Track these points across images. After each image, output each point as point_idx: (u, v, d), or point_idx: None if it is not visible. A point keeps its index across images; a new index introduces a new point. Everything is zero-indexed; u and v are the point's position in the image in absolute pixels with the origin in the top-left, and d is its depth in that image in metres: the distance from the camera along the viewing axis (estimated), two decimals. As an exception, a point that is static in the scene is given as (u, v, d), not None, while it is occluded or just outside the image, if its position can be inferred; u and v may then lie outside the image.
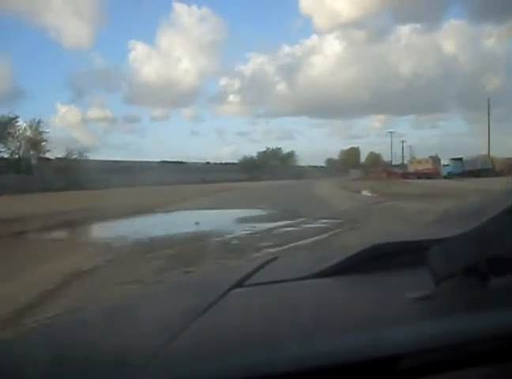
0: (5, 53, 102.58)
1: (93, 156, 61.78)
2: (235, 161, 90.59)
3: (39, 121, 54.94)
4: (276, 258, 1.32)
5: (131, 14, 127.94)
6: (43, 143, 55.41)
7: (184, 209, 21.44)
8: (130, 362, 0.70)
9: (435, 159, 73.65)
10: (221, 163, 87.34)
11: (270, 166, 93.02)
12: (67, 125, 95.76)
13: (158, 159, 72.73)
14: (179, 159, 76.06)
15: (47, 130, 56.16)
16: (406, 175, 64.60)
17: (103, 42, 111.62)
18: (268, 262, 1.24)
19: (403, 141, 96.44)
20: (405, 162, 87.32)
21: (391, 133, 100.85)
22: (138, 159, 69.08)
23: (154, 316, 0.95)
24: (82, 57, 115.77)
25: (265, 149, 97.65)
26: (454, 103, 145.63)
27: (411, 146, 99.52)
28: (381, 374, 0.64)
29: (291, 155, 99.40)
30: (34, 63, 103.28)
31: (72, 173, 51.04)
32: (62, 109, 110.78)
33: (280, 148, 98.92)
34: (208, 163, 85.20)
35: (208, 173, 73.47)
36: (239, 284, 1.02)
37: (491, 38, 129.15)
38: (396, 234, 1.24)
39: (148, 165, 67.45)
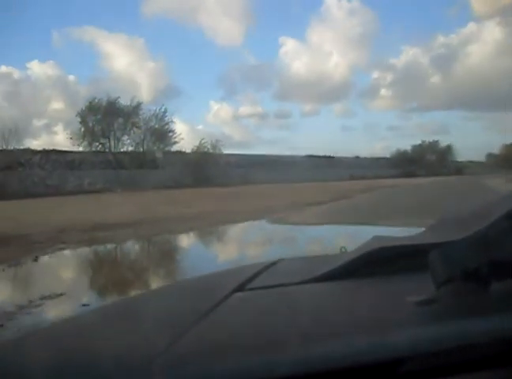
0: (161, 54, 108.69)
1: (244, 151, 59.44)
2: (387, 156, 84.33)
3: (165, 110, 51.38)
4: (277, 262, 1.31)
5: (281, 10, 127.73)
6: (170, 134, 51.59)
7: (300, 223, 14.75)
8: (133, 364, 0.71)
9: None
10: (372, 158, 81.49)
11: (426, 161, 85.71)
12: (220, 121, 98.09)
13: (304, 153, 69.06)
14: (327, 154, 71.98)
15: (173, 120, 52.37)
16: None
17: (253, 39, 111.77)
18: (269, 266, 1.25)
19: None
20: None
21: None
22: (283, 153, 66.22)
23: (156, 318, 0.95)
24: (234, 55, 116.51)
25: (420, 142, 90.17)
26: None
27: None
28: (382, 378, 0.64)
29: (449, 148, 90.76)
30: (189, 63, 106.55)
31: (200, 168, 47.47)
32: (215, 106, 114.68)
33: (437, 141, 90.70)
34: (357, 157, 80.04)
35: (357, 168, 68.44)
36: (241, 288, 1.03)
37: None
38: (396, 238, 1.14)
39: (293, 159, 63.95)
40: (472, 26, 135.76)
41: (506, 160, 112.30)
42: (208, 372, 0.66)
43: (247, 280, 1.09)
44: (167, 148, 50.22)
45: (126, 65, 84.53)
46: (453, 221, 1.07)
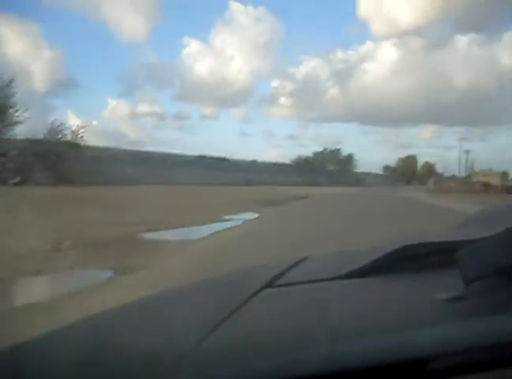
0: (59, 43, 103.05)
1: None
2: (286, 162, 77.78)
3: (11, 80, 34.99)
4: (306, 258, 1.30)
5: (187, 10, 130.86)
6: (11, 110, 35.39)
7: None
8: (160, 363, 0.70)
9: (504, 174, 68.17)
10: (270, 163, 74.48)
11: (327, 169, 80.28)
12: (116, 118, 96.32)
13: (196, 154, 60.75)
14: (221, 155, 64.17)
15: (15, 92, 35.83)
16: (509, 189, 51.55)
17: (156, 37, 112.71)
18: (298, 262, 1.24)
19: (467, 151, 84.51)
20: (460, 174, 78.73)
21: (460, 140, 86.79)
22: (170, 151, 57.60)
23: (184, 316, 0.95)
24: (136, 52, 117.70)
25: (322, 149, 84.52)
26: (506, 117, 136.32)
27: (473, 159, 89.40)
28: (410, 376, 0.64)
29: (350, 158, 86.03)
30: (89, 55, 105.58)
31: (51, 161, 36.43)
32: (113, 102, 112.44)
33: (339, 150, 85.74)
34: (254, 161, 72.84)
35: (254, 173, 60.91)
36: (270, 284, 1.02)
37: None
38: (426, 235, 1.15)
39: (183, 159, 55.34)
40: (369, 45, 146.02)
41: (401, 173, 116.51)
42: (237, 370, 0.65)
43: (276, 277, 1.07)
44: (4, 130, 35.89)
45: (17, 49, 76.49)
46: (484, 218, 1.04)
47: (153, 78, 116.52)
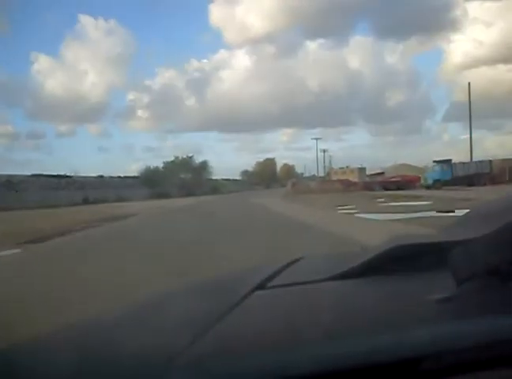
0: None
1: None
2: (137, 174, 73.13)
3: None
4: (299, 259, 1.32)
5: (33, 24, 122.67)
6: None
7: None
8: (153, 363, 0.70)
9: (361, 170, 69.69)
10: (119, 177, 69.50)
11: (179, 179, 76.72)
12: None
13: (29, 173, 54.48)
14: (62, 173, 58.30)
15: None
16: (369, 185, 51.04)
17: (2, 53, 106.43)
18: (291, 263, 1.25)
19: (324, 151, 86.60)
20: (318, 174, 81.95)
21: (316, 139, 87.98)
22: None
23: (177, 317, 0.96)
24: None
25: (173, 159, 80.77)
26: (358, 117, 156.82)
27: (331, 156, 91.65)
28: (402, 376, 0.64)
29: (204, 165, 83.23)
30: None
31: None
32: None
33: (191, 157, 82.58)
34: (101, 176, 67.53)
35: (98, 189, 55.95)
36: (262, 286, 1.03)
37: (394, 54, 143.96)
38: (416, 236, 1.20)
39: (16, 179, 49.12)
40: (223, 53, 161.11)
41: (260, 176, 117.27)
42: (229, 371, 0.66)
43: (268, 278, 1.08)
44: None
45: None
46: (474, 219, 1.05)
47: (2, 96, 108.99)
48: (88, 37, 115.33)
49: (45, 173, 55.39)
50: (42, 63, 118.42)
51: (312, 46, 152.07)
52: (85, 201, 46.20)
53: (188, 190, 69.98)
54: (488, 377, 0.65)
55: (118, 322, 0.99)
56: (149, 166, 74.01)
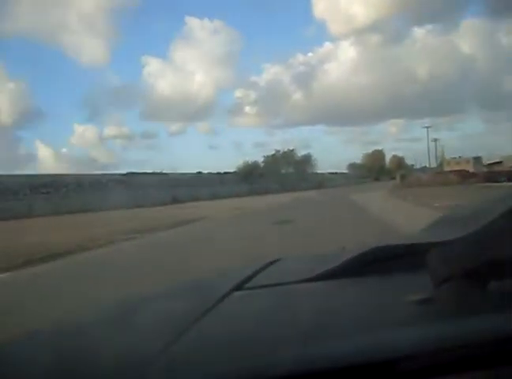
0: (21, 74, 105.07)
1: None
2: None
3: None
4: (277, 260, 1.32)
5: (143, 30, 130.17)
6: None
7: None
8: (132, 364, 0.71)
9: (477, 159, 63.24)
10: (218, 173, 66.54)
11: (281, 174, 72.65)
12: (84, 144, 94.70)
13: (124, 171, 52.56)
14: (159, 170, 56.11)
15: None
16: (493, 176, 43.95)
17: (117, 59, 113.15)
18: (268, 265, 1.25)
19: (435, 140, 79.29)
20: (430, 165, 73.84)
21: (427, 128, 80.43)
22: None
23: (155, 318, 0.96)
24: (97, 75, 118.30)
25: (273, 152, 76.70)
26: (471, 104, 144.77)
27: (443, 146, 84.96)
28: (381, 377, 0.64)
29: (307, 158, 78.63)
30: (51, 84, 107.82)
31: None
32: (79, 128, 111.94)
33: (293, 150, 78.14)
34: (199, 173, 64.99)
35: (193, 187, 53.01)
36: (239, 287, 1.04)
37: (509, 34, 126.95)
38: (395, 238, 1.07)
39: (104, 179, 47.09)
40: (328, 45, 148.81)
41: (368, 169, 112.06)
42: (207, 372, 0.65)
43: (246, 279, 1.09)
44: None
45: None
46: (452, 220, 1.06)
47: (117, 100, 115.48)
48: (194, 38, 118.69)
49: (140, 171, 53.39)
50: (152, 66, 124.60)
51: (419, 32, 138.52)
52: (174, 200, 43.08)
53: (290, 185, 65.75)
54: (465, 378, 0.65)
55: (94, 324, 0.99)
56: (247, 161, 70.23)
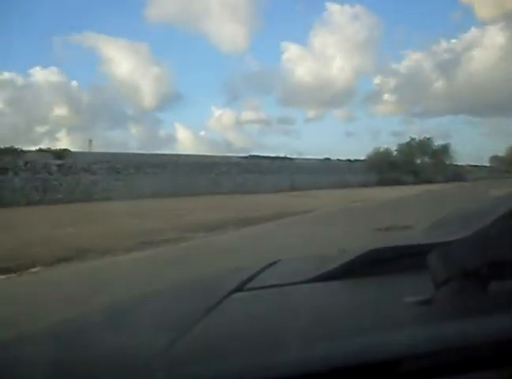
0: (164, 59, 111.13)
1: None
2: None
3: None
4: (277, 262, 1.32)
5: (283, 15, 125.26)
6: None
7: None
8: (132, 365, 0.71)
9: None
10: (348, 160, 62.64)
11: (415, 164, 67.12)
12: (222, 127, 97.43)
13: (245, 154, 50.45)
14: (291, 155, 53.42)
15: None
16: None
17: (256, 44, 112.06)
18: (269, 266, 1.25)
19: None
20: None
21: None
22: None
23: (155, 318, 0.97)
24: (236, 60, 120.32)
25: (408, 140, 71.03)
26: None
27: None
28: (382, 378, 0.65)
29: (445, 148, 72.04)
30: (191, 68, 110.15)
31: None
32: (217, 112, 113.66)
33: (429, 139, 71.77)
34: (328, 159, 61.54)
35: (318, 174, 49.61)
36: (240, 288, 1.05)
37: None
38: (395, 239, 1.04)
39: (229, 160, 45.08)
40: (474, 31, 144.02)
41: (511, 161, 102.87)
42: (208, 372, 0.66)
43: (246, 281, 1.09)
44: None
45: (128, 70, 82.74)
46: (453, 221, 1.07)
47: (256, 85, 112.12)
48: (335, 24, 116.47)
49: (263, 154, 50.97)
50: (292, 52, 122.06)
51: None
52: (292, 187, 40.05)
53: (425, 177, 60.35)
54: None
55: (98, 323, 0.99)
56: (378, 149, 65.29)
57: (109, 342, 0.84)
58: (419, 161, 69.30)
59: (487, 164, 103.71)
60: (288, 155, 55.34)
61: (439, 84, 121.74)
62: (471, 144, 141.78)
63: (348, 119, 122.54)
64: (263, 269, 1.21)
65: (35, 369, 0.73)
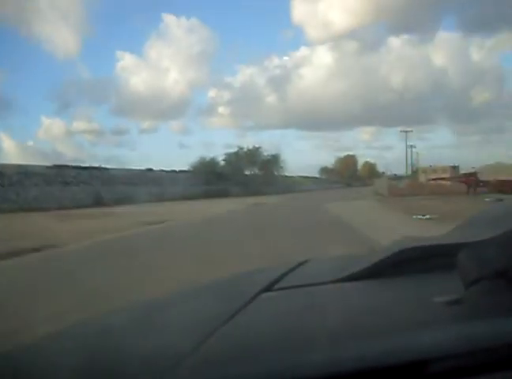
0: None
1: None
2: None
3: None
4: (305, 262, 1.32)
5: (119, 24, 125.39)
6: None
7: None
8: (160, 365, 0.71)
9: (455, 168, 59.53)
10: (173, 171, 56.56)
11: (244, 175, 63.28)
12: (51, 137, 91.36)
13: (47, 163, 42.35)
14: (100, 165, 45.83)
15: None
16: (504, 186, 34.43)
17: (90, 52, 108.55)
18: (297, 266, 1.25)
19: (412, 147, 76.31)
20: (406, 172, 70.35)
21: (406, 132, 73.97)
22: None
23: (183, 319, 0.97)
24: (68, 67, 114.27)
25: (236, 149, 66.88)
26: (442, 116, 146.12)
27: (418, 154, 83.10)
28: (411, 378, 0.65)
29: (275, 159, 69.20)
30: (20, 73, 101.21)
31: None
32: (47, 121, 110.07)
33: (258, 148, 68.45)
34: (150, 169, 55.05)
35: (138, 185, 43.26)
36: (269, 288, 1.04)
37: (481, 50, 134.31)
38: (424, 238, 1.17)
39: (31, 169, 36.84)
40: (304, 50, 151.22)
41: (339, 174, 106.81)
42: (236, 373, 0.66)
43: (275, 280, 1.08)
44: None
45: None
46: (482, 221, 1.06)
47: (88, 94, 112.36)
48: (170, 35, 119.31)
49: (66, 164, 43.07)
50: (127, 61, 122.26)
51: (396, 42, 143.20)
52: (97, 202, 33.26)
53: (254, 188, 56.50)
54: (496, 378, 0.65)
55: (124, 324, 0.98)
56: (204, 158, 60.30)
57: (136, 342, 0.82)
58: (248, 172, 65.57)
59: (318, 176, 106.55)
60: (103, 165, 48.06)
61: (271, 99, 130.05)
62: (301, 156, 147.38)
63: (182, 131, 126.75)
64: (292, 269, 1.18)
65: (63, 370, 0.73)
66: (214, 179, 54.55)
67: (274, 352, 0.70)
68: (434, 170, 60.67)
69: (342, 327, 0.77)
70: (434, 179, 47.40)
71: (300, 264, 1.28)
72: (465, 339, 0.67)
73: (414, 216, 16.17)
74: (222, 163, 62.45)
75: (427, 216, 15.73)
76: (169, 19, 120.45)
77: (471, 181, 38.43)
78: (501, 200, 14.96)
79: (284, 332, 0.78)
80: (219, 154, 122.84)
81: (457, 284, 0.76)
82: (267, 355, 0.69)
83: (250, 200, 36.17)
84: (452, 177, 44.50)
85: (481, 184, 38.20)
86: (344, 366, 0.64)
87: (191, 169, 56.91)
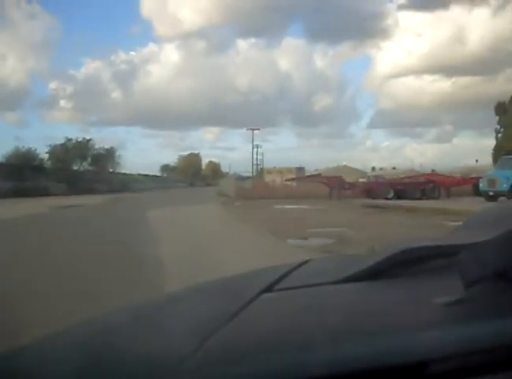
0: None
1: None
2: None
3: None
4: (306, 262, 1.30)
5: None
6: None
7: None
8: (161, 366, 0.71)
9: (300, 170, 62.24)
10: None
11: (72, 170, 55.23)
12: None
13: None
14: None
15: None
16: (374, 189, 30.59)
17: None
18: (298, 266, 1.24)
19: (258, 146, 74.96)
20: (252, 172, 67.58)
21: (253, 130, 71.90)
22: None
23: (184, 319, 0.96)
24: None
25: (63, 141, 58.27)
26: (286, 119, 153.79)
27: (263, 154, 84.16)
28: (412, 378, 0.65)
29: (110, 153, 61.85)
30: None
31: None
32: None
33: (89, 141, 60.64)
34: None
35: None
36: (270, 288, 1.03)
37: (325, 58, 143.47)
38: (424, 239, 1.13)
39: None
40: (152, 46, 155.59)
41: (183, 172, 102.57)
42: (236, 373, 0.67)
43: (276, 281, 1.08)
44: None
45: None
46: (483, 221, 1.06)
47: None
48: (8, 19, 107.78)
49: None
50: None
51: (243, 44, 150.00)
52: None
53: (85, 185, 48.96)
54: None
55: (124, 324, 0.98)
56: (19, 149, 51.29)
57: (136, 342, 0.82)
58: (77, 167, 57.59)
59: (159, 174, 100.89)
60: None
61: (116, 95, 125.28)
62: (145, 154, 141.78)
63: (19, 123, 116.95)
64: (293, 269, 1.18)
65: (65, 370, 0.73)
66: (31, 174, 46.09)
67: (275, 353, 0.70)
68: (280, 171, 61.07)
69: (343, 328, 0.76)
70: (291, 179, 42.73)
71: (301, 264, 1.25)
72: (466, 339, 0.68)
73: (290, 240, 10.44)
74: (45, 156, 53.97)
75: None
76: (7, 0, 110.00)
77: (334, 184, 33.67)
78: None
79: (285, 333, 0.78)
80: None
81: (457, 285, 0.76)
82: (268, 356, 0.69)
83: (64, 201, 29.07)
84: (313, 178, 38.94)
85: (347, 187, 34.09)
86: (344, 367, 0.65)
87: (2, 161, 47.79)
